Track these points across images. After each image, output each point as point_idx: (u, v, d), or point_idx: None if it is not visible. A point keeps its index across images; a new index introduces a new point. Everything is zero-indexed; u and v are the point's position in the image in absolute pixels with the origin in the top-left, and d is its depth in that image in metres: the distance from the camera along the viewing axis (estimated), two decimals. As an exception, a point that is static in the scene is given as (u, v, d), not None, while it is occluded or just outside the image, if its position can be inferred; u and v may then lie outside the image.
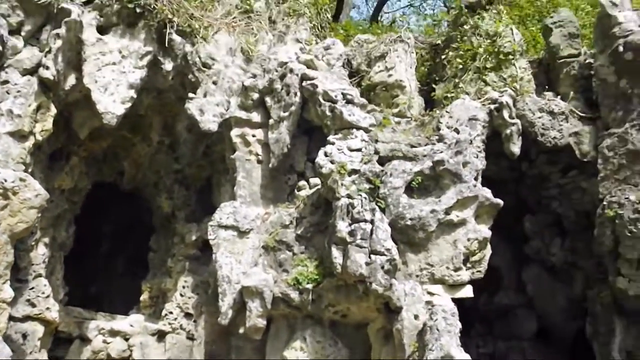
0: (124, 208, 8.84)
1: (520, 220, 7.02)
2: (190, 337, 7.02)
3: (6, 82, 6.13)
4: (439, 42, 7.62)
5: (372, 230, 5.39)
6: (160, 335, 7.10)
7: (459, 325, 5.02)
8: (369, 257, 5.29)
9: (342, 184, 5.64)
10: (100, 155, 7.58)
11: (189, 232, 7.34)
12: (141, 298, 7.62)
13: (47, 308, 6.37)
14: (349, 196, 5.56)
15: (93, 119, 6.80)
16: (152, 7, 6.69)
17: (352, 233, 5.37)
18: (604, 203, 5.48)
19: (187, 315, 7.09)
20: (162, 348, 7.05)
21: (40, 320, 6.33)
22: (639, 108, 5.62)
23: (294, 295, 5.63)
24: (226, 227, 6.09)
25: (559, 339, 6.96)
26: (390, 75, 7.26)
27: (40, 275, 6.51)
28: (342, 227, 5.41)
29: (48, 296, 6.46)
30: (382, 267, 5.26)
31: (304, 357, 5.60)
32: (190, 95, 6.74)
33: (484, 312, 7.17)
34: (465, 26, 7.21)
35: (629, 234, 5.17)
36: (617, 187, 5.48)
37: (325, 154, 5.89)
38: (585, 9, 8.16)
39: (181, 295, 7.20)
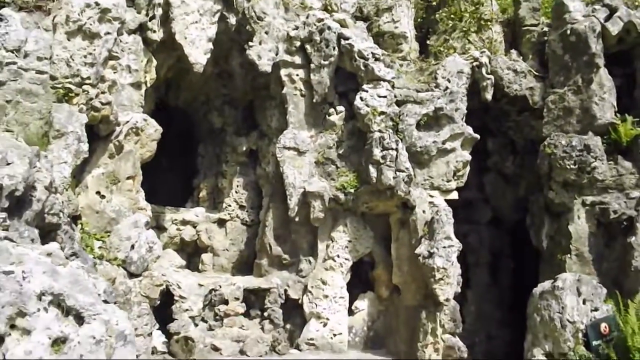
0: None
1: (484, 140, 11.12)
2: (244, 223, 10.97)
3: (120, 41, 9.23)
4: (433, 2, 11.25)
5: (396, 155, 9.25)
6: (220, 223, 10.92)
7: (452, 219, 9.22)
8: (395, 173, 9.21)
9: (374, 122, 9.42)
10: (163, 84, 10.85)
11: (240, 144, 11.02)
12: (200, 195, 11.41)
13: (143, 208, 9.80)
14: (380, 131, 9.35)
15: (169, 60, 10.13)
16: (219, -31, 9.80)
17: (383, 157, 9.19)
18: (545, 143, 9.56)
19: (241, 207, 10.96)
20: (223, 232, 10.91)
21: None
22: (575, 77, 9.54)
23: (341, 196, 9.51)
24: (289, 148, 9.79)
25: (506, 224, 11.56)
26: (396, 27, 10.89)
27: (131, 181, 9.97)
28: (377, 152, 9.22)
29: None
30: (404, 180, 9.17)
31: (345, 237, 9.69)
32: (250, 43, 10.10)
33: (453, 204, 11.41)
34: (455, -9, 10.88)
35: (558, 166, 9.31)
36: (554, 131, 9.63)
37: (361, 99, 9.53)
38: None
39: (236, 192, 11.02)
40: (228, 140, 11.23)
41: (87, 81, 8.35)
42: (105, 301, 4.84)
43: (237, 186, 11.00)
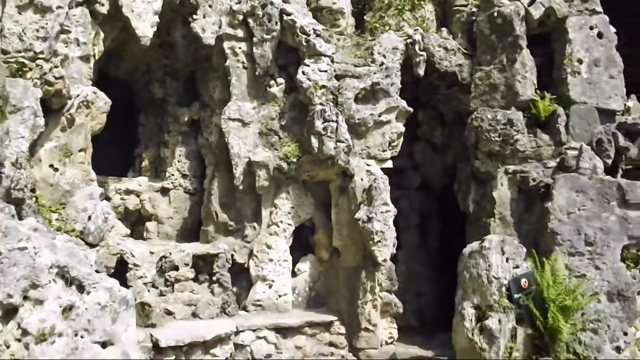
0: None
1: (415, 112, 11.97)
2: (187, 192, 11.46)
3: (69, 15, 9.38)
4: (370, -21, 11.93)
5: (336, 127, 9.96)
6: (164, 192, 11.36)
7: (389, 186, 10.06)
8: (335, 144, 9.93)
9: (316, 95, 10.08)
10: (105, 55, 11.05)
11: (182, 115, 11.44)
12: (142, 164, 11.78)
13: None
14: (321, 104, 10.03)
15: (113, 32, 10.38)
16: (164, -58, 10.10)
17: (324, 128, 9.88)
18: (472, 116, 10.53)
19: (184, 176, 11.44)
20: (166, 201, 11.37)
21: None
22: (500, 57, 10.51)
23: (284, 165, 10.16)
24: (234, 120, 10.31)
25: (434, 190, 12.57)
26: (334, 3, 11.48)
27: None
28: (318, 124, 9.90)
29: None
30: (343, 150, 9.90)
31: (288, 203, 10.39)
32: (194, 17, 10.53)
33: (387, 171, 12.24)
34: (391, -30, 11.58)
35: (484, 138, 10.29)
36: (480, 106, 10.62)
37: (303, 73, 10.17)
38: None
39: (178, 161, 11.47)
40: (170, 111, 11.62)
41: (41, 55, 8.56)
42: (97, 271, 5.36)
43: (180, 155, 11.45)
